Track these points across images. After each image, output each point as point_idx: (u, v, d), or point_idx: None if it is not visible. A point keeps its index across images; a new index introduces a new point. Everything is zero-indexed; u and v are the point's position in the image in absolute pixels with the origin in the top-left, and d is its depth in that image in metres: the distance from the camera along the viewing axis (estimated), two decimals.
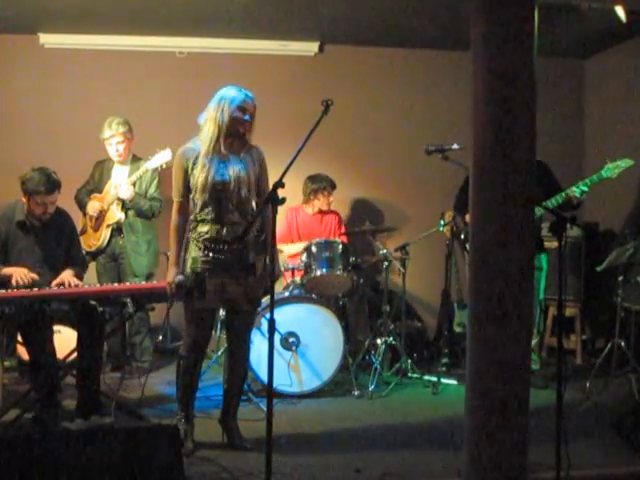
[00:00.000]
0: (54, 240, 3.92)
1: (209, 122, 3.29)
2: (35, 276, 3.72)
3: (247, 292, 3.35)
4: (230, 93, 3.30)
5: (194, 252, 3.33)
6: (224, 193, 3.29)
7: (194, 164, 3.29)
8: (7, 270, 3.74)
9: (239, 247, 3.33)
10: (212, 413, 3.80)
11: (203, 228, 3.31)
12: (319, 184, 5.14)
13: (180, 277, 3.29)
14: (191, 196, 3.34)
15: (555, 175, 4.60)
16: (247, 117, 3.30)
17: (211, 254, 3.30)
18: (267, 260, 3.39)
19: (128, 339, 4.76)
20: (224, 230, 3.30)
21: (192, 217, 3.37)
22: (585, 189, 4.32)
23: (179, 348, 3.58)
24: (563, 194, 4.34)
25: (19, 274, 3.68)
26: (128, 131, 4.70)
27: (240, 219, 3.33)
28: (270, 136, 5.52)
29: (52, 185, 3.74)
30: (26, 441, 2.67)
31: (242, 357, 3.54)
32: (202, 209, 3.31)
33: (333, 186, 5.19)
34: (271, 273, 3.26)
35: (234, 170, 3.30)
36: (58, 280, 3.77)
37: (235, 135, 3.31)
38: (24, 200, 3.79)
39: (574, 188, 4.32)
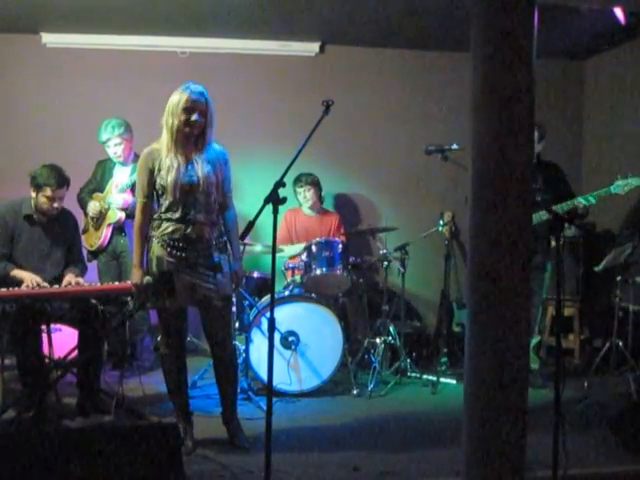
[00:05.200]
0: (58, 237, 3.98)
1: (164, 128, 3.28)
2: (46, 285, 3.75)
3: (218, 290, 3.35)
4: (176, 96, 3.24)
5: (158, 251, 3.31)
6: (192, 194, 3.28)
7: (160, 165, 3.28)
8: (19, 274, 3.78)
9: (203, 247, 3.33)
10: (212, 412, 3.81)
11: (168, 226, 3.30)
12: (296, 179, 5.18)
13: (148, 278, 3.29)
14: (162, 197, 3.32)
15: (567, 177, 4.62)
16: (195, 117, 3.22)
17: (177, 253, 3.29)
18: (230, 259, 3.42)
19: (128, 338, 4.77)
20: (189, 230, 3.29)
21: (155, 216, 3.35)
22: (593, 201, 4.28)
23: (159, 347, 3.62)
24: (569, 202, 4.33)
25: (31, 282, 3.69)
26: (125, 132, 4.68)
27: (205, 219, 3.32)
28: (271, 136, 5.61)
29: (62, 179, 3.83)
30: (26, 439, 2.68)
31: (227, 356, 3.49)
32: (168, 209, 3.30)
33: (312, 182, 5.21)
34: (235, 273, 3.39)
35: (202, 171, 3.29)
36: (65, 283, 3.81)
37: (190, 136, 3.28)
38: (33, 195, 3.85)
39: (580, 198, 4.31)
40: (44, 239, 3.94)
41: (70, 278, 3.86)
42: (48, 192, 3.79)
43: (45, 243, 3.94)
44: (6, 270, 3.79)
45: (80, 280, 3.87)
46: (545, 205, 4.25)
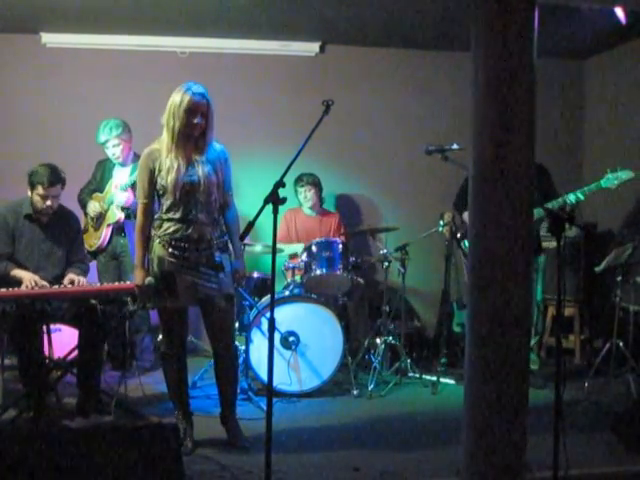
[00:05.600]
0: (59, 236, 3.98)
1: (164, 128, 3.28)
2: (45, 284, 3.74)
3: (221, 289, 3.35)
4: (177, 97, 3.22)
5: (159, 251, 3.32)
6: (193, 194, 3.28)
7: (161, 165, 3.28)
8: (19, 273, 3.77)
9: (205, 246, 3.33)
10: (212, 412, 3.81)
11: (170, 227, 3.31)
12: (298, 178, 5.18)
13: (150, 279, 3.30)
14: (163, 198, 3.33)
15: (553, 178, 4.60)
16: (197, 120, 3.22)
17: (178, 253, 3.29)
18: (232, 258, 3.44)
19: (128, 338, 4.76)
20: (190, 229, 3.30)
21: (157, 216, 3.36)
22: (581, 197, 4.28)
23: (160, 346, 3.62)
24: (560, 200, 4.32)
25: (30, 282, 3.69)
26: (123, 133, 4.67)
27: (206, 219, 3.33)
28: (271, 136, 5.61)
29: (55, 177, 3.81)
30: (26, 439, 2.68)
31: (229, 356, 3.50)
32: (169, 210, 3.31)
33: (313, 182, 5.21)
34: (237, 271, 3.41)
35: (203, 171, 3.29)
36: (67, 281, 3.81)
37: (191, 137, 3.28)
38: (29, 194, 3.86)
39: (570, 195, 4.30)
40: (45, 239, 3.94)
41: (71, 277, 3.86)
42: (40, 190, 3.79)
43: (46, 243, 3.94)
44: (7, 270, 3.79)
45: (80, 280, 3.87)
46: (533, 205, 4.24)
